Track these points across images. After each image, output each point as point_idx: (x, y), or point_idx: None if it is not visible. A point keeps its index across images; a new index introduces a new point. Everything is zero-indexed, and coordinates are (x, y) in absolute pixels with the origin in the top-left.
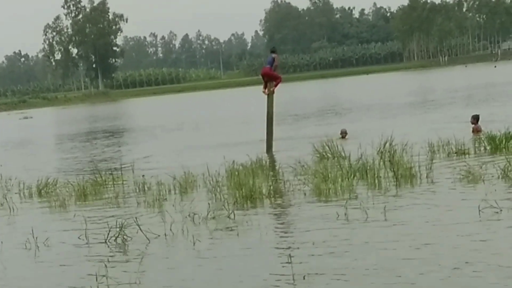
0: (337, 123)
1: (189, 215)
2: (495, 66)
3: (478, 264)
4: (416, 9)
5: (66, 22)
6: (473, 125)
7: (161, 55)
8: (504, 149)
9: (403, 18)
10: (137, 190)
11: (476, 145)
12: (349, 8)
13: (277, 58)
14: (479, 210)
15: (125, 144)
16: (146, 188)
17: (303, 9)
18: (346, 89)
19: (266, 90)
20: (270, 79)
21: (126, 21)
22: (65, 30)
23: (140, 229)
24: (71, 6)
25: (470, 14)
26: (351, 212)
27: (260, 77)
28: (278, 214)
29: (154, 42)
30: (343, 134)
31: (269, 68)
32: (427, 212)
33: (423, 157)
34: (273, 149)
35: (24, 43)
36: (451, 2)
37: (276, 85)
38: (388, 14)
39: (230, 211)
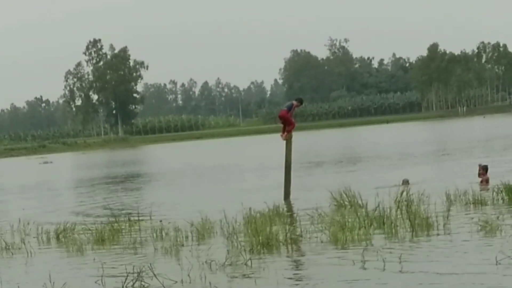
0: (355, 170)
1: (206, 262)
2: None
3: None
4: (435, 60)
5: (87, 69)
6: (482, 176)
7: (180, 102)
8: None
9: (422, 69)
10: (155, 236)
11: (494, 195)
12: (368, 58)
13: (296, 105)
14: (497, 262)
15: (143, 189)
16: (163, 234)
17: (322, 59)
18: (366, 138)
19: (284, 135)
20: (285, 122)
21: (147, 68)
22: (86, 77)
23: (156, 276)
24: (93, 52)
25: (489, 65)
26: (367, 261)
27: (279, 122)
28: (295, 262)
29: (174, 89)
30: (406, 184)
31: (286, 111)
32: (444, 262)
33: (440, 207)
34: (291, 196)
35: (45, 88)
36: (470, 53)
37: (289, 131)
38: (407, 65)
39: (247, 258)
